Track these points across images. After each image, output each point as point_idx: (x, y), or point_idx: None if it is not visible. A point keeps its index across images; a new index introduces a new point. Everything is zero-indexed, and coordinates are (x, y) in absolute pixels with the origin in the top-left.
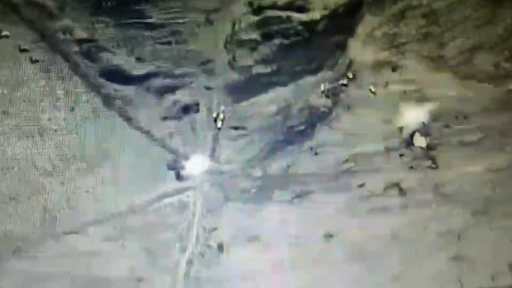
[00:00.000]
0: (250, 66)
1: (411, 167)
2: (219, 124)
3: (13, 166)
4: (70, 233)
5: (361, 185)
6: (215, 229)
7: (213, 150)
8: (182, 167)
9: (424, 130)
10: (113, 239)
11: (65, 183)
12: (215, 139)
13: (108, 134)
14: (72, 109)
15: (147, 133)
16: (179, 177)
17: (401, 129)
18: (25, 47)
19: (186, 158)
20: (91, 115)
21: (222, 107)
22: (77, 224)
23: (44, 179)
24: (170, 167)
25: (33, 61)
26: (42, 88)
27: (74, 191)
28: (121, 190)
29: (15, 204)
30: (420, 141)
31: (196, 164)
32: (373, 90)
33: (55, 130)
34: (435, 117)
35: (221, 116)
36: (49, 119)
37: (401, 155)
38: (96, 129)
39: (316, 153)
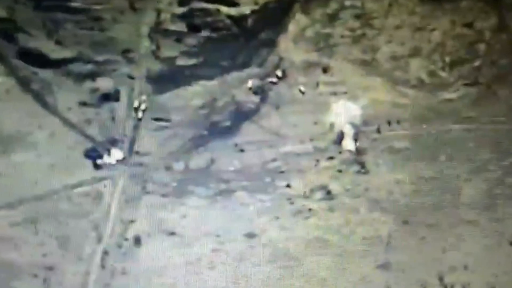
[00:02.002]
0: (175, 58)
1: (340, 171)
2: (140, 114)
3: None
4: None
5: (287, 186)
6: (132, 221)
7: (133, 140)
8: (100, 156)
9: (354, 133)
10: (24, 225)
11: None
12: (136, 130)
13: (23, 117)
14: None
15: (64, 119)
16: (96, 166)
17: (330, 131)
18: None
19: (104, 147)
20: (6, 97)
21: (144, 97)
22: None
23: None
24: (87, 155)
25: None
26: None
27: None
28: (34, 176)
29: None
30: (349, 144)
31: (115, 154)
32: (302, 90)
33: None
34: (366, 121)
35: (142, 106)
36: None
37: (330, 158)
38: (11, 112)
39: (241, 150)
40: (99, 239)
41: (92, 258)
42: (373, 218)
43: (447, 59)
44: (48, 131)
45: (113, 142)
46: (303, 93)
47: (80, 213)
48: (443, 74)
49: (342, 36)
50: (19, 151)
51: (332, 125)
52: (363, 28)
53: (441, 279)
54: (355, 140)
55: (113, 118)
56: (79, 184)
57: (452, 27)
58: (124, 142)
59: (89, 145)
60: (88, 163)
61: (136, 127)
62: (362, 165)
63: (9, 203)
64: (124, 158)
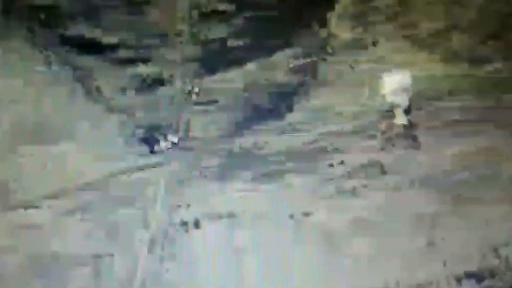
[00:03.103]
0: (220, 39)
1: (386, 148)
2: (185, 97)
3: None
4: (26, 206)
5: (331, 165)
6: (180, 206)
7: (178, 125)
8: (146, 142)
9: (405, 107)
10: (72, 213)
11: (25, 155)
12: (181, 114)
13: (68, 105)
14: (31, 79)
15: (109, 105)
16: (143, 152)
17: (380, 105)
18: None
19: (151, 132)
20: (51, 85)
21: (188, 82)
22: (34, 197)
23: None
24: (134, 142)
25: None
26: None
27: (32, 163)
28: (81, 164)
29: None
30: (400, 119)
31: (161, 139)
32: (353, 65)
33: (12, 101)
34: (411, 97)
35: (187, 90)
36: (6, 89)
37: (376, 135)
38: (56, 101)
39: (287, 131)
40: (147, 226)
41: (141, 245)
42: (421, 195)
43: (486, 32)
44: (93, 119)
45: (160, 128)
46: (352, 68)
47: (129, 200)
48: (485, 46)
49: (386, 13)
50: (65, 140)
51: (382, 97)
52: (405, 4)
53: (485, 255)
54: (406, 114)
55: (158, 103)
56: (128, 171)
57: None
58: (171, 127)
59: (135, 131)
60: (135, 149)
61: (183, 111)
62: (413, 139)
63: (56, 192)
64: (172, 143)
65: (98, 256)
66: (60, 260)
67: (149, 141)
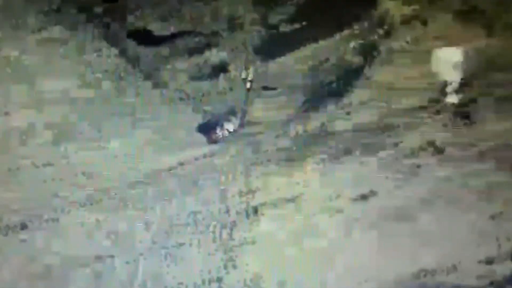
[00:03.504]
0: (279, 24)
1: (446, 125)
2: (248, 84)
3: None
4: (82, 205)
5: (397, 144)
6: (250, 191)
7: (245, 110)
8: (214, 129)
9: (459, 84)
10: (137, 205)
11: (92, 146)
12: (246, 100)
13: (134, 96)
14: (98, 72)
15: (175, 94)
16: (210, 139)
17: (436, 84)
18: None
19: (217, 119)
20: (117, 77)
21: (252, 67)
22: (105, 188)
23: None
24: (201, 129)
25: (58, 23)
26: (64, 52)
27: (101, 154)
28: (149, 154)
29: (19, 175)
30: (454, 97)
31: (228, 125)
32: (407, 42)
33: (80, 91)
34: (470, 72)
35: (250, 76)
36: (75, 83)
37: (437, 111)
38: (122, 92)
39: (349, 111)
40: (216, 214)
41: (214, 231)
42: (481, 169)
43: None
44: (160, 108)
45: (226, 114)
46: (407, 46)
47: (198, 188)
48: None
49: None
50: (132, 131)
51: (436, 75)
52: None
53: None
54: (460, 90)
55: (224, 90)
56: (196, 159)
57: None
58: (237, 113)
59: (201, 118)
60: (202, 137)
61: (247, 97)
62: (468, 116)
63: (133, 178)
64: (237, 129)
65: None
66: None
67: (206, 130)
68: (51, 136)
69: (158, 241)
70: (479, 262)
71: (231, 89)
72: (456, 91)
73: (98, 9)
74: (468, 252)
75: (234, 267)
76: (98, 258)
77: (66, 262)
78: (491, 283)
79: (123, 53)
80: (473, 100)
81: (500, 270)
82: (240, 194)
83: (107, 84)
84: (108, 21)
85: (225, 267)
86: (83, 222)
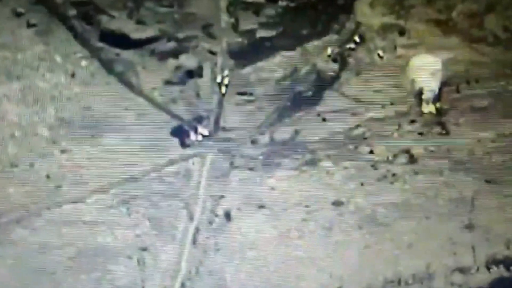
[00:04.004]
0: (254, 30)
1: (421, 133)
2: (223, 89)
3: (13, 133)
4: (73, 201)
5: (371, 152)
6: (222, 197)
7: (218, 116)
8: (187, 134)
9: (435, 94)
10: (117, 207)
11: (67, 151)
12: (220, 105)
13: (109, 100)
14: (72, 75)
15: (150, 99)
16: (183, 144)
17: (411, 89)
18: (21, 10)
19: (191, 124)
20: (91, 80)
21: (226, 72)
22: (79, 192)
23: (46, 146)
24: (174, 134)
25: (30, 25)
26: (40, 54)
27: (78, 159)
28: (123, 158)
29: (18, 172)
30: (430, 106)
31: (201, 131)
32: (381, 54)
33: (55, 96)
34: (444, 81)
35: (225, 81)
36: (49, 85)
37: (411, 121)
38: (97, 95)
39: (324, 119)
40: (191, 217)
41: (185, 236)
42: (456, 179)
43: None
44: (135, 112)
45: (199, 119)
46: (381, 57)
47: (171, 192)
48: None
49: None
50: (107, 134)
51: (412, 82)
52: None
53: None
54: (436, 101)
55: (197, 95)
56: (169, 164)
57: None
58: (210, 118)
59: (175, 123)
60: (175, 141)
61: (220, 103)
62: (443, 126)
63: (101, 186)
64: (210, 135)
65: (143, 249)
66: (107, 253)
67: (179, 134)
68: None
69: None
70: (454, 270)
71: (205, 93)
72: (432, 100)
73: (72, 12)
74: (443, 261)
75: (197, 271)
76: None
77: None
78: None
79: (96, 55)
80: (449, 110)
81: (475, 279)
82: (212, 198)
83: (78, 86)
84: (81, 23)
85: (193, 271)
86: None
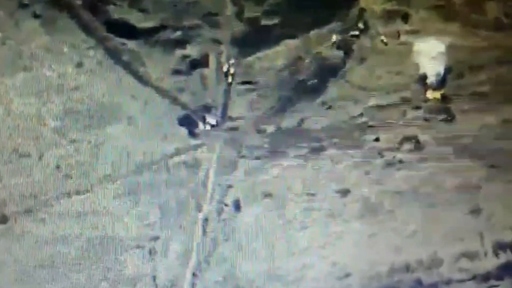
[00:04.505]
0: (258, 18)
1: (427, 120)
2: (229, 78)
3: (21, 123)
4: (82, 192)
5: (376, 140)
6: (230, 186)
7: (225, 105)
8: (194, 123)
9: (439, 80)
10: (126, 197)
11: (75, 141)
12: (226, 94)
13: (116, 89)
14: (79, 65)
15: (156, 88)
16: (191, 133)
17: (415, 81)
18: (25, 1)
19: (197, 114)
20: (98, 69)
21: (232, 61)
22: (88, 182)
23: (54, 136)
24: (181, 123)
25: (36, 16)
26: (46, 44)
27: (83, 148)
28: (131, 147)
29: (26, 162)
30: (434, 93)
31: (208, 120)
32: (385, 40)
33: (62, 86)
34: (448, 68)
35: (231, 70)
36: (56, 75)
37: (416, 107)
38: (104, 85)
39: (329, 107)
40: (199, 207)
41: (194, 226)
42: (462, 165)
43: None
44: (141, 101)
45: (206, 109)
46: (385, 44)
47: (179, 182)
48: None
49: None
50: (113, 123)
51: (416, 67)
52: None
53: None
54: (441, 87)
55: (203, 84)
56: (176, 153)
57: None
58: (216, 108)
59: (182, 113)
60: (183, 131)
61: (226, 92)
62: (448, 112)
63: (108, 175)
64: (217, 124)
65: (152, 238)
66: (116, 244)
67: (188, 123)
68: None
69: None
70: (461, 256)
71: (211, 83)
72: (437, 86)
73: (77, 1)
74: (450, 248)
75: (207, 261)
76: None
77: None
78: (474, 277)
79: (102, 44)
80: (453, 96)
81: (483, 265)
82: (221, 187)
83: (85, 76)
84: (87, 13)
85: (203, 261)
86: None
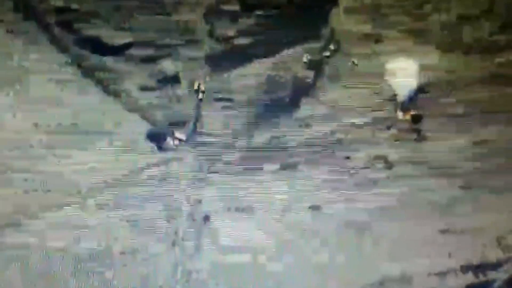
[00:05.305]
0: (232, 38)
1: (398, 140)
2: (200, 95)
3: (4, 138)
4: (57, 206)
5: (347, 158)
6: (200, 200)
7: (196, 121)
8: (163, 138)
9: (411, 100)
10: (99, 211)
11: (51, 156)
12: (198, 111)
13: (88, 105)
14: (51, 80)
15: (128, 104)
16: (160, 148)
17: (387, 101)
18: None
19: (168, 129)
20: (70, 85)
21: (204, 78)
22: (60, 197)
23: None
24: (151, 139)
25: (9, 32)
26: (19, 59)
27: (60, 164)
28: (102, 162)
29: (8, 177)
30: (405, 113)
31: (179, 135)
32: (356, 62)
33: (35, 101)
34: (420, 88)
35: (202, 87)
36: (41, 93)
37: (388, 128)
38: (76, 100)
39: (301, 125)
40: (170, 220)
41: (165, 238)
42: (432, 184)
43: (496, 24)
44: (114, 117)
45: (176, 124)
46: (356, 65)
47: (150, 196)
48: (493, 38)
49: (392, 6)
50: (85, 139)
51: (388, 87)
52: None
53: (500, 241)
54: (412, 107)
55: (176, 100)
56: (147, 168)
57: None
58: (187, 124)
59: (153, 128)
60: (153, 146)
61: (198, 108)
62: (419, 133)
63: (82, 191)
64: (186, 140)
65: (123, 252)
66: (91, 255)
67: (156, 138)
68: None
69: None
70: (431, 274)
71: (183, 99)
72: (408, 107)
73: (53, 19)
74: (419, 265)
75: (177, 273)
76: None
77: None
78: None
79: (75, 60)
80: (424, 116)
81: (451, 283)
82: (190, 202)
83: (56, 90)
84: (60, 29)
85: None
86: None
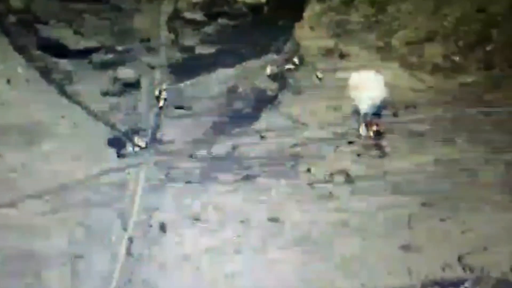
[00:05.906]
0: (194, 46)
1: (359, 155)
2: (161, 102)
3: None
4: (5, 206)
5: (308, 171)
6: (157, 208)
7: (155, 128)
8: (123, 144)
9: (372, 116)
10: (50, 214)
11: (2, 156)
12: (158, 118)
13: (45, 108)
14: (8, 81)
15: (87, 108)
16: (119, 154)
17: (349, 116)
18: None
19: (127, 135)
20: (27, 87)
21: (164, 86)
22: (12, 198)
23: None
24: (110, 144)
25: None
26: None
27: (10, 164)
28: (58, 166)
29: None
30: (368, 128)
31: (138, 142)
32: (319, 76)
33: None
34: (383, 105)
35: (163, 95)
36: None
37: (349, 142)
38: (33, 103)
39: (262, 137)
40: (125, 227)
41: (118, 246)
42: (393, 201)
43: (461, 43)
44: (71, 121)
45: (136, 131)
46: (320, 79)
47: (105, 202)
48: (457, 58)
49: (357, 23)
50: (43, 142)
51: (350, 115)
52: (378, 14)
53: (460, 260)
54: (374, 123)
55: (135, 107)
56: (104, 173)
57: (465, 12)
58: (147, 131)
59: (111, 133)
60: (112, 152)
61: (158, 116)
62: (381, 149)
63: (36, 192)
64: (146, 146)
65: (76, 256)
66: (38, 260)
67: (116, 144)
68: None
69: None
70: None
71: (142, 106)
72: (371, 121)
73: (12, 19)
74: (378, 281)
75: (130, 281)
76: None
77: None
78: None
79: (33, 63)
80: (386, 133)
81: None
82: (146, 210)
83: (12, 94)
84: (20, 30)
85: (126, 281)
86: None
